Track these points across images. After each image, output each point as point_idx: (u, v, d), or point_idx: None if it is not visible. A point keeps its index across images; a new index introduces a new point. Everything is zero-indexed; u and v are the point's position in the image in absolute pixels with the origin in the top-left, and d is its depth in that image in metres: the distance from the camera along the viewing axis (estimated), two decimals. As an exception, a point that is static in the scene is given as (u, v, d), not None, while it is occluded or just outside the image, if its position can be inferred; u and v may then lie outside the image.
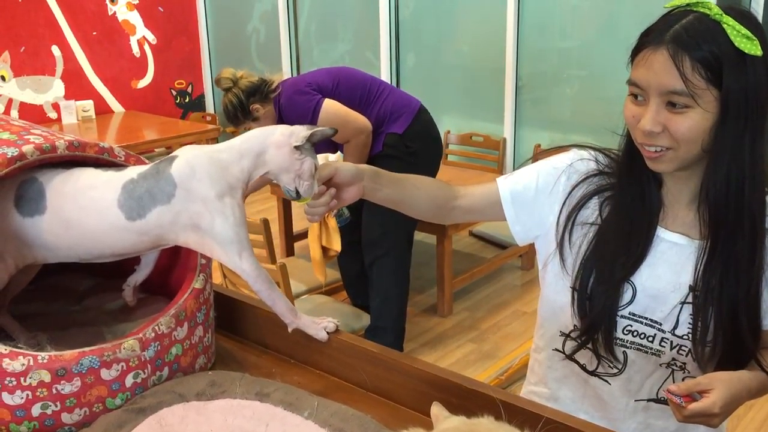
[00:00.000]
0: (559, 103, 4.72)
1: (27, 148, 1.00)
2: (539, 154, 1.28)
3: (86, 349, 0.95)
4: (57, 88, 5.73)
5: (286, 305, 1.11)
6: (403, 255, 3.12)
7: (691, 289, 1.10)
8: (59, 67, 5.73)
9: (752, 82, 0.98)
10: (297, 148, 1.06)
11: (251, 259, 1.06)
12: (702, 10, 0.99)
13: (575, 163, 1.21)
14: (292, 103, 2.93)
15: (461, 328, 3.41)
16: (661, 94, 0.99)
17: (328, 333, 1.11)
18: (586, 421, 0.91)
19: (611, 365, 1.18)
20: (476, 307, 3.66)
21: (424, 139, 3.09)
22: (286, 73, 6.15)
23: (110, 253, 1.08)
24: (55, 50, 5.67)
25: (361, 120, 2.92)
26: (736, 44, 0.96)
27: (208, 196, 1.02)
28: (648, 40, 1.01)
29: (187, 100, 6.73)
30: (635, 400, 1.20)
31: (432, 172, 3.17)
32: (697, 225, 1.11)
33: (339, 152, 3.07)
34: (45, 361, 0.92)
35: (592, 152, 1.22)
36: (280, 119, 2.99)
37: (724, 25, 0.97)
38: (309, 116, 2.88)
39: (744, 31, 0.97)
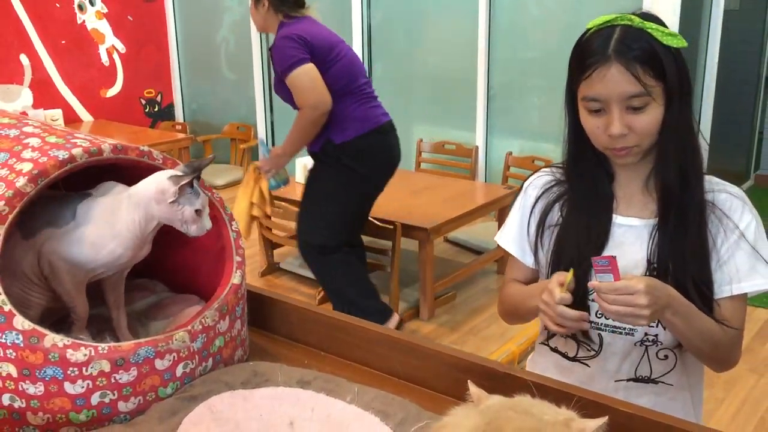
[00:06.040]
0: (528, 111, 4.85)
1: (76, 151, 1.04)
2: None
3: (141, 340, 1.00)
4: (25, 96, 5.68)
5: None
6: (334, 250, 3.15)
7: (649, 263, 1.22)
8: (27, 76, 5.67)
9: (681, 69, 1.16)
10: (172, 202, 1.08)
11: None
12: (624, 23, 1.15)
13: (534, 180, 1.38)
14: (279, 45, 2.90)
15: (442, 331, 3.48)
16: (622, 101, 1.14)
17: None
18: (616, 399, 0.98)
19: (589, 348, 1.29)
20: (455, 310, 3.74)
21: (363, 159, 3.06)
22: (258, 83, 6.18)
23: None
24: (24, 59, 5.62)
25: (326, 98, 2.87)
26: (665, 43, 1.13)
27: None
28: (593, 61, 1.15)
29: (156, 109, 6.71)
30: (615, 381, 1.30)
31: (366, 191, 3.18)
32: (649, 205, 1.25)
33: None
34: (105, 351, 0.96)
35: (546, 168, 1.38)
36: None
37: (649, 30, 1.13)
38: (282, 67, 2.87)
39: (666, 30, 1.13)
